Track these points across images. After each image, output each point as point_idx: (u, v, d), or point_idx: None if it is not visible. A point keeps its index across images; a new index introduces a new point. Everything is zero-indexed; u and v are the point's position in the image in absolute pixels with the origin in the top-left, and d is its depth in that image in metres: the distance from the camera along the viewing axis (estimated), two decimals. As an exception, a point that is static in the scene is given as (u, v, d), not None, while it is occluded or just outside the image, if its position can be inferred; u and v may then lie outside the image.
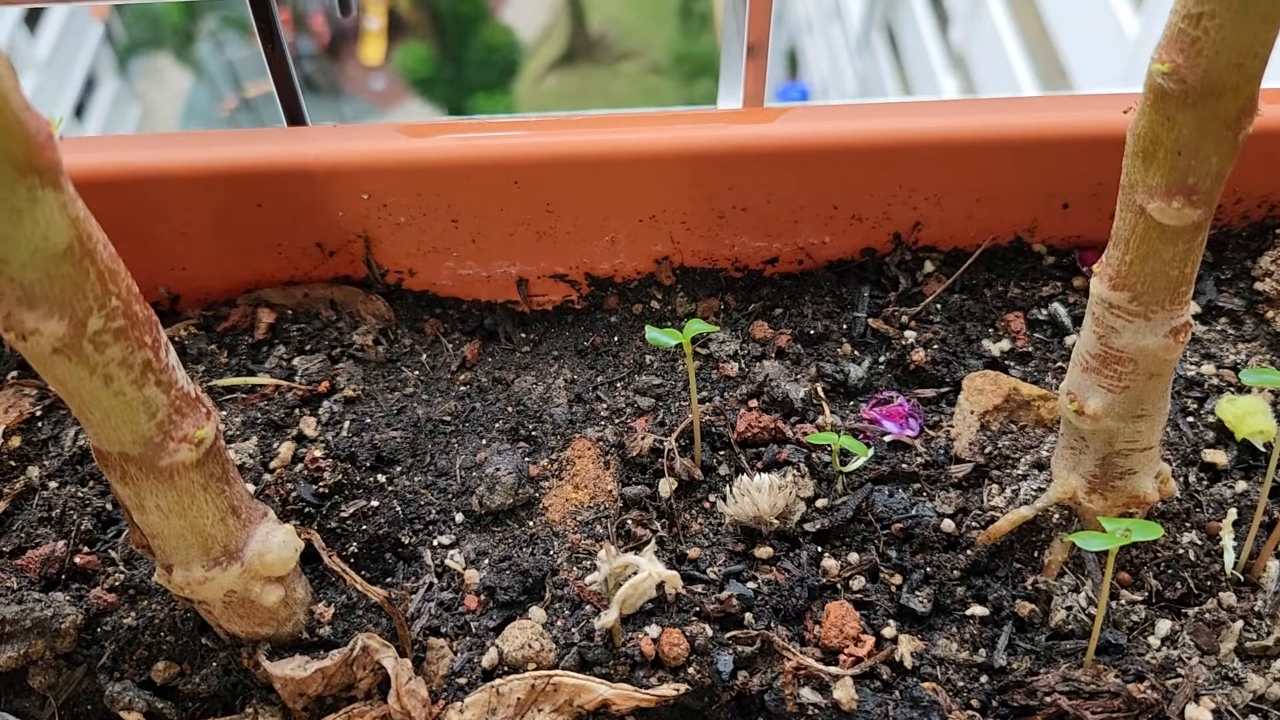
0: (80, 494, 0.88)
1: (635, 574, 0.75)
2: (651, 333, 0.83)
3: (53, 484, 0.90)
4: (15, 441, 0.93)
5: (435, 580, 0.84)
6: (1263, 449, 0.89)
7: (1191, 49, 0.60)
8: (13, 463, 0.92)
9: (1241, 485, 0.88)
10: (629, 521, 0.87)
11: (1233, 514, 0.85)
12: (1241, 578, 0.83)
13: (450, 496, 0.89)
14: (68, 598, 0.81)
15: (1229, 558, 0.83)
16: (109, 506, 0.88)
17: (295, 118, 1.04)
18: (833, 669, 0.78)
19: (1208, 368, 0.95)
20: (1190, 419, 0.92)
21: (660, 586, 0.79)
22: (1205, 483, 0.88)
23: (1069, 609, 0.81)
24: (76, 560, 0.84)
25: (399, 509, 0.87)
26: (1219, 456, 0.89)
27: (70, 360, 0.59)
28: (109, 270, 0.59)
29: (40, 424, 0.95)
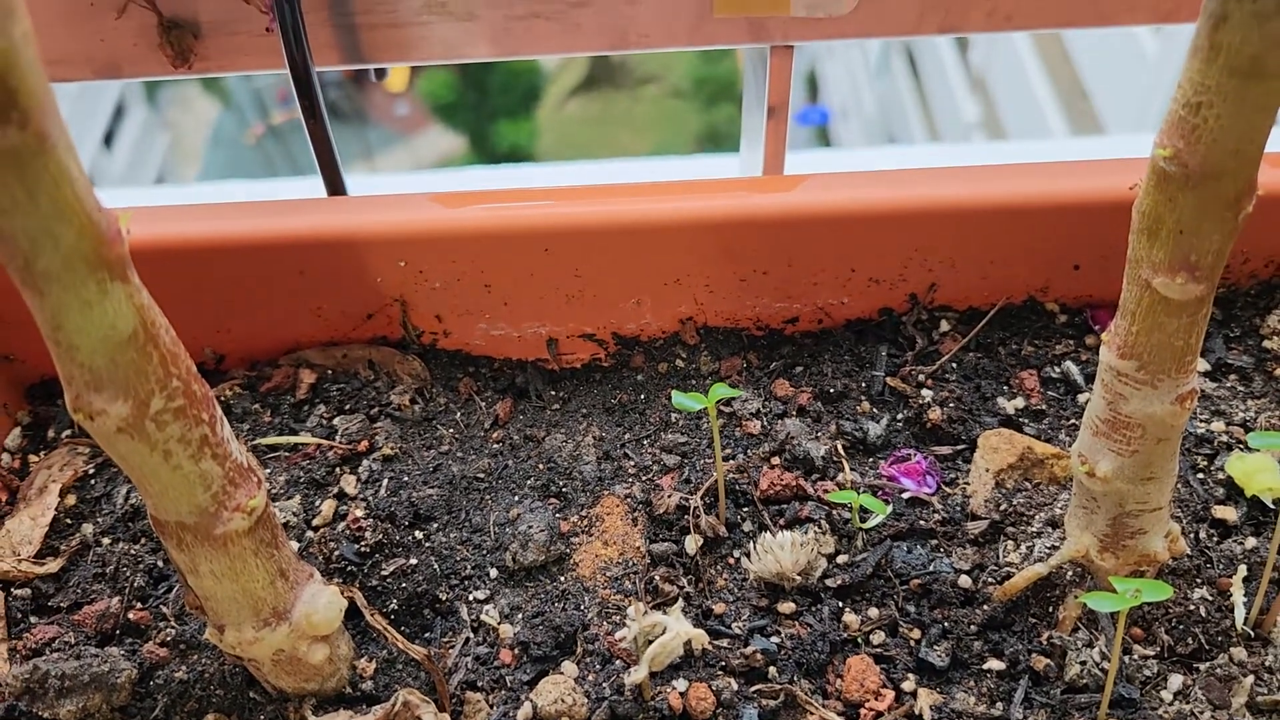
0: (133, 550, 0.92)
1: (663, 633, 0.78)
2: (678, 398, 0.87)
3: (106, 540, 0.94)
4: (71, 500, 0.98)
5: (471, 635, 0.88)
6: (1272, 505, 0.92)
7: (1191, 135, 0.63)
8: (68, 520, 0.97)
9: (1251, 541, 0.90)
10: (656, 578, 0.90)
11: (1243, 570, 0.88)
12: (1252, 633, 0.85)
13: (485, 552, 0.93)
14: (122, 652, 0.84)
15: (1239, 613, 0.85)
16: (160, 563, 0.92)
17: (336, 188, 1.09)
18: (854, 723, 0.81)
19: (1217, 425, 0.98)
20: (1200, 475, 0.95)
21: (687, 643, 0.82)
22: (1215, 539, 0.91)
23: (1083, 664, 0.83)
24: (130, 616, 0.88)
25: (436, 566, 0.90)
26: (1229, 513, 0.92)
27: (133, 438, 0.63)
28: (170, 353, 0.63)
29: (93, 481, 1.00)
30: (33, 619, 0.89)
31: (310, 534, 0.92)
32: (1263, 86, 0.59)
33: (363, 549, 0.89)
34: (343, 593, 0.82)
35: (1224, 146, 0.62)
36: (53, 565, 0.92)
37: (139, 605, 0.89)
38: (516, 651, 0.86)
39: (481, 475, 0.99)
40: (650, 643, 0.78)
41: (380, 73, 1.21)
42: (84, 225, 0.55)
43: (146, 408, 0.63)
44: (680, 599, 0.85)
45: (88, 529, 0.95)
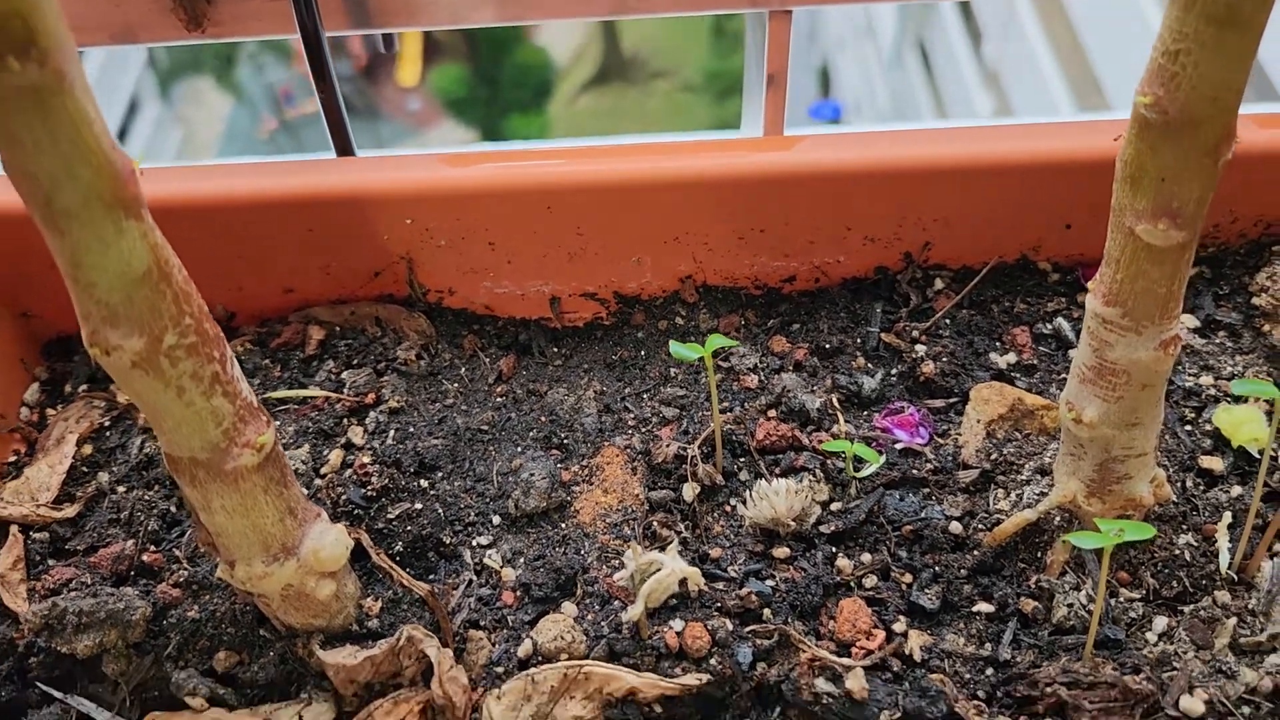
0: (146, 497, 0.95)
1: (659, 570, 0.81)
2: (675, 348, 0.89)
3: (121, 488, 0.97)
4: (87, 449, 1.01)
5: (474, 577, 0.90)
6: (1257, 455, 0.94)
7: (1171, 83, 0.65)
8: (84, 469, 1.00)
9: (1237, 490, 0.92)
10: (654, 523, 0.93)
11: (1228, 517, 0.90)
12: (1236, 577, 0.87)
13: (488, 500, 0.96)
14: (137, 592, 0.87)
15: (1224, 558, 0.87)
16: (173, 509, 0.95)
17: (345, 149, 1.11)
18: (845, 660, 0.83)
19: (1206, 379, 1.00)
20: (1188, 427, 0.97)
21: (683, 583, 0.85)
22: (1202, 488, 0.93)
23: (1070, 606, 0.86)
24: (144, 558, 0.91)
25: (440, 511, 0.93)
26: (1215, 463, 0.94)
27: (147, 374, 0.65)
28: (183, 292, 0.66)
29: (109, 433, 1.02)
30: (51, 561, 0.92)
31: (318, 481, 0.95)
32: (1238, 34, 0.61)
33: (369, 493, 0.92)
34: (350, 533, 0.85)
35: (1202, 93, 0.64)
36: (70, 511, 0.95)
37: (153, 548, 0.92)
38: (518, 593, 0.89)
39: (485, 427, 1.02)
40: (646, 580, 0.81)
41: (388, 43, 1.23)
42: (101, 164, 0.57)
43: (160, 343, 0.65)
44: (676, 542, 0.88)
45: (103, 477, 0.98)
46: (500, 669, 0.84)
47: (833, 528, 0.91)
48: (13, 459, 1.03)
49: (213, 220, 1.03)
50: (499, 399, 1.06)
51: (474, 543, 0.93)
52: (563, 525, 0.94)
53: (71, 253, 0.60)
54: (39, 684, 0.85)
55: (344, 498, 0.92)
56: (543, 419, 1.03)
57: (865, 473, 0.95)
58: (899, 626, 0.86)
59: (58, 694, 0.85)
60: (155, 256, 0.63)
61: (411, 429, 1.00)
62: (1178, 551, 0.88)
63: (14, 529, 0.93)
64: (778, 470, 0.96)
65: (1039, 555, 0.89)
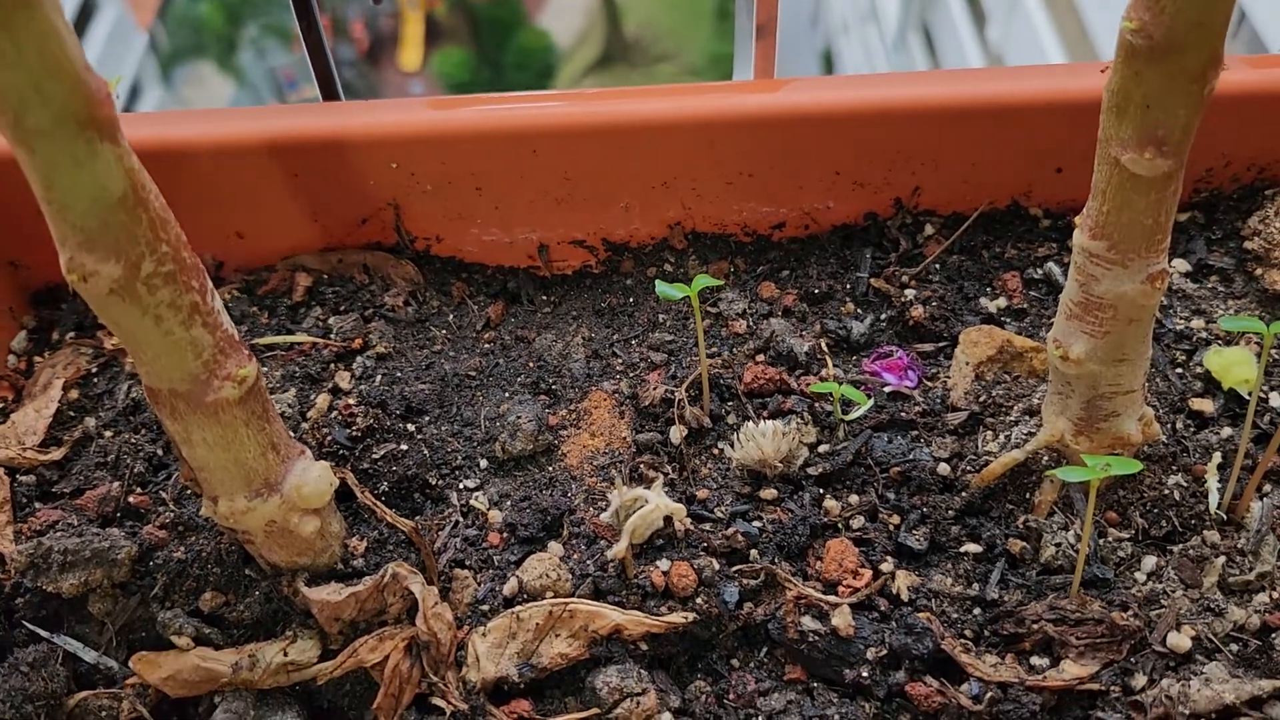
0: (133, 441, 0.95)
1: (644, 506, 0.81)
2: (661, 287, 0.89)
3: (108, 433, 0.97)
4: (74, 394, 1.01)
5: (461, 519, 0.90)
6: (1247, 397, 0.93)
7: (1156, 6, 0.64)
8: (71, 414, 0.99)
9: (1227, 431, 0.92)
10: (641, 465, 0.92)
11: (1217, 458, 0.89)
12: (1225, 517, 0.87)
13: (475, 444, 0.96)
14: (123, 533, 0.87)
15: (1213, 498, 0.87)
16: (159, 452, 0.95)
17: (330, 94, 1.11)
18: (832, 598, 0.83)
19: (1197, 322, 1.00)
20: (1179, 370, 0.97)
21: (669, 521, 0.85)
22: (1192, 429, 0.93)
23: (1058, 545, 0.86)
24: (130, 500, 0.91)
25: (427, 454, 0.93)
26: (1206, 405, 0.93)
27: (125, 301, 0.65)
28: (160, 218, 0.65)
29: (96, 379, 1.02)
30: (37, 504, 0.92)
31: (304, 424, 0.95)
32: (1223, -44, 0.61)
33: (354, 433, 0.92)
34: (334, 473, 0.84)
35: (1187, 18, 0.63)
36: (56, 454, 0.95)
37: (139, 491, 0.92)
38: (504, 534, 0.89)
39: (473, 373, 1.01)
40: (631, 516, 0.80)
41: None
42: (74, 83, 0.57)
43: (137, 270, 0.64)
44: (661, 480, 0.88)
45: (90, 422, 0.98)
46: (485, 607, 0.84)
47: (820, 470, 0.91)
48: (0, 405, 1.03)
49: (195, 166, 1.03)
50: (487, 345, 1.05)
51: (460, 485, 0.93)
52: (549, 468, 0.94)
53: (44, 174, 0.60)
54: (26, 623, 0.85)
55: (329, 438, 0.91)
56: (530, 365, 1.02)
57: (853, 415, 0.94)
58: (886, 567, 0.86)
59: (44, 633, 0.85)
60: (131, 181, 0.62)
61: (399, 374, 1.00)
62: (1167, 492, 0.88)
63: (0, 471, 0.93)
64: (765, 413, 0.95)
65: (1027, 496, 0.89)
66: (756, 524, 0.88)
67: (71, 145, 0.58)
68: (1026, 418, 0.92)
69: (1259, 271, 1.02)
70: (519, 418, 0.95)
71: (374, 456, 0.91)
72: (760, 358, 1.00)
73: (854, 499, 0.90)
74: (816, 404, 0.96)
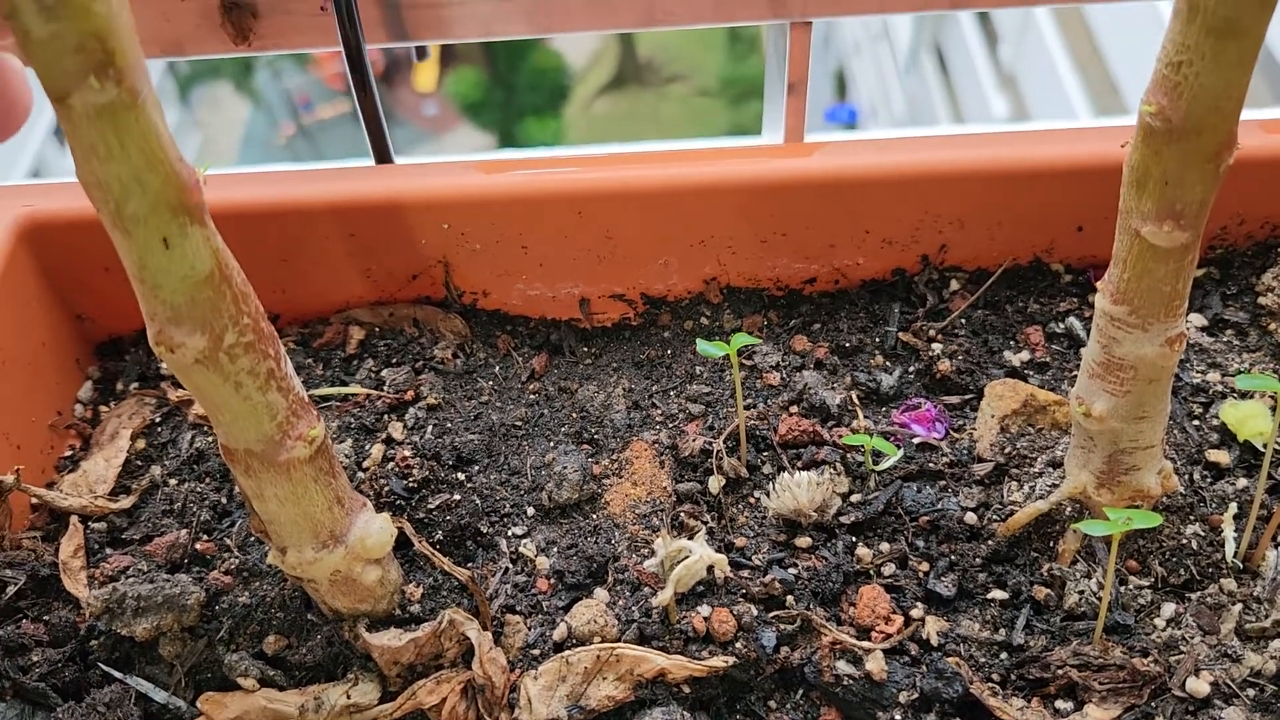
0: (198, 489, 1.00)
1: (688, 556, 0.85)
2: (702, 345, 0.93)
3: (173, 481, 1.02)
4: (140, 444, 1.06)
5: (510, 565, 0.95)
6: (1262, 449, 0.97)
7: (1174, 92, 0.68)
8: (139, 462, 1.05)
9: (1243, 482, 0.96)
10: (682, 514, 0.97)
11: (1233, 508, 0.93)
12: (1241, 566, 0.90)
13: (522, 492, 1.00)
14: (190, 579, 0.92)
15: (1230, 547, 0.90)
16: (223, 500, 1.00)
17: (383, 156, 1.16)
18: (865, 644, 0.87)
19: (1213, 375, 1.04)
20: (1196, 422, 1.01)
21: (710, 570, 0.89)
22: (1209, 480, 0.96)
23: (1081, 593, 0.89)
24: (197, 547, 0.96)
25: (478, 502, 0.98)
26: (1222, 456, 0.97)
27: (208, 370, 0.70)
28: (241, 293, 0.70)
29: (160, 429, 1.07)
30: (108, 550, 0.97)
31: (361, 474, 0.99)
32: (1237, 45, 0.64)
33: (410, 484, 0.97)
34: (393, 522, 0.89)
35: (1203, 102, 0.67)
36: (125, 502, 1.00)
37: (205, 537, 0.97)
38: (552, 580, 0.93)
39: (519, 423, 1.06)
40: (675, 566, 0.85)
41: (420, 52, 1.28)
42: (168, 174, 0.62)
43: (220, 341, 0.69)
44: (703, 531, 0.92)
45: (156, 470, 1.03)
46: (536, 651, 0.88)
47: (853, 518, 0.95)
48: (69, 453, 1.08)
49: (257, 226, 1.08)
50: (532, 396, 1.10)
51: (510, 532, 0.97)
52: (594, 516, 0.98)
53: (139, 255, 0.64)
54: (100, 665, 0.90)
55: (386, 489, 0.96)
56: (574, 415, 1.07)
57: (884, 466, 0.99)
58: (916, 612, 0.89)
59: (118, 674, 0.89)
60: (217, 260, 0.67)
61: (449, 424, 1.05)
62: (1185, 541, 0.91)
63: (74, 519, 0.98)
64: (800, 463, 1.00)
65: (1051, 545, 0.93)
66: (792, 571, 0.92)
67: (165, 229, 0.63)
68: (1050, 469, 0.96)
69: (1272, 326, 1.06)
70: (565, 467, 0.99)
71: (429, 506, 0.96)
72: (794, 409, 1.04)
73: (885, 547, 0.94)
74: (848, 455, 1.00)
